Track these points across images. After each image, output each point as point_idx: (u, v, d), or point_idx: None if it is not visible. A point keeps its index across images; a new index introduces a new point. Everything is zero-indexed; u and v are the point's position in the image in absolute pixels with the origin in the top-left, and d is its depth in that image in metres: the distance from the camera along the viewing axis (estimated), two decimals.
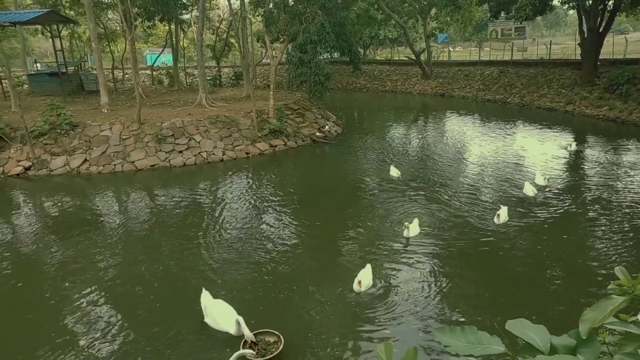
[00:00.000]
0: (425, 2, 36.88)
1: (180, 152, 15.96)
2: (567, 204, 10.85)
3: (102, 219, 11.18)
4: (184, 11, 30.87)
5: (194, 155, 15.93)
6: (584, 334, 1.37)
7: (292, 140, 18.31)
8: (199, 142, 16.41)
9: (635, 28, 60.64)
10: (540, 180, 11.70)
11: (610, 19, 24.01)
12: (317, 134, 19.62)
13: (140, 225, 10.66)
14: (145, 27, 31.58)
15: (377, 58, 50.57)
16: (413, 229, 9.06)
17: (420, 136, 21.50)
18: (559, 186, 12.09)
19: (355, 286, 7.02)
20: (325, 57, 35.42)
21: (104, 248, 9.31)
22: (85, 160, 15.17)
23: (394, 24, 39.56)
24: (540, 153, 15.81)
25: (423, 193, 12.10)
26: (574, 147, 15.37)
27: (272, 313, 6.77)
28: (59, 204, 12.31)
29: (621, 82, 21.93)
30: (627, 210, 10.38)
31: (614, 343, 1.67)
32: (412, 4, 38.03)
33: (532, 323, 1.49)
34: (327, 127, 20.58)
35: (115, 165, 15.12)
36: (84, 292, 7.55)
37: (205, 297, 6.55)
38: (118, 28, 33.74)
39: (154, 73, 36.69)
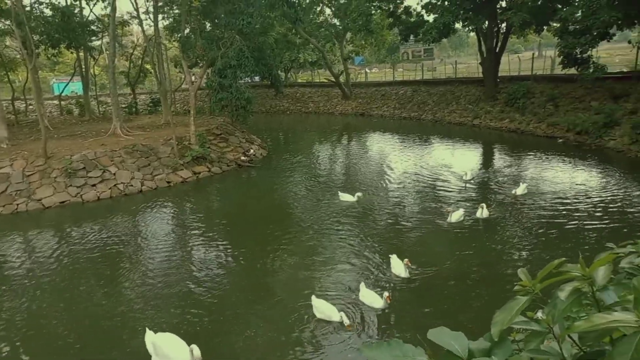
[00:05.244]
0: (340, 27, 38.44)
1: (94, 185, 14.89)
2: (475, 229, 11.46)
3: (3, 266, 10.01)
4: (93, 38, 29.35)
5: (109, 188, 14.94)
6: (496, 336, 1.41)
7: (216, 166, 17.88)
8: (114, 174, 15.44)
9: (526, 48, 67.84)
10: (485, 213, 10.96)
11: (504, 40, 26.64)
12: (242, 158, 19.37)
13: (52, 269, 9.68)
14: (49, 55, 29.54)
15: (299, 81, 51.51)
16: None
17: (344, 157, 22.06)
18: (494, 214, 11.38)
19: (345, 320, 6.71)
20: (246, 81, 35.45)
21: (10, 299, 8.31)
22: None
23: (313, 48, 40.72)
24: (445, 180, 15.14)
25: (351, 216, 12.32)
26: (469, 175, 14.85)
27: (209, 344, 6.43)
28: None
29: (518, 96, 24.26)
30: (529, 225, 11.34)
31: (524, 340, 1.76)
32: (328, 28, 39.45)
33: (451, 330, 1.52)
34: (252, 150, 20.41)
35: (18, 204, 13.72)
36: None
37: (150, 335, 6.24)
38: (18, 56, 31.20)
39: (63, 103, 34.29)
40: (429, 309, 7.35)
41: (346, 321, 6.66)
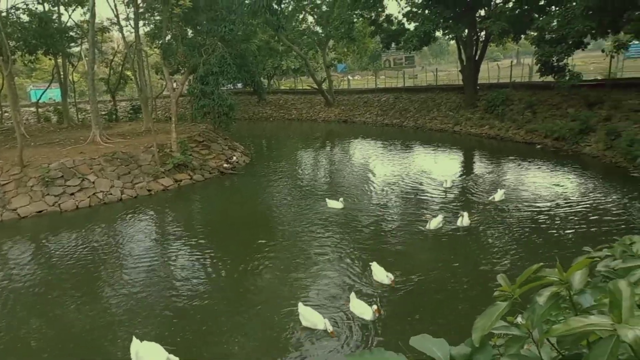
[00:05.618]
0: (322, 35, 38.67)
1: (72, 194, 14.58)
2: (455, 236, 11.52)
3: None
4: (72, 44, 28.88)
5: (88, 197, 14.65)
6: (477, 342, 1.42)
7: (198, 174, 17.71)
8: (93, 182, 15.16)
9: (505, 56, 69.35)
10: (465, 221, 10.92)
11: (483, 48, 27.16)
12: (225, 165, 19.24)
13: (28, 281, 9.39)
14: (26, 61, 28.95)
15: (282, 88, 51.56)
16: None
17: (327, 163, 22.09)
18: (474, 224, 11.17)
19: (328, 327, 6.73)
20: (228, 87, 35.31)
21: None
22: None
23: (296, 55, 40.86)
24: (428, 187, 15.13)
25: (334, 223, 12.30)
26: (449, 183, 14.78)
27: (191, 354, 6.33)
28: None
29: (497, 103, 24.70)
30: (510, 231, 11.52)
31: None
32: (310, 36, 39.63)
33: (433, 337, 1.52)
34: (234, 157, 20.29)
35: None
36: None
37: (136, 344, 6.23)
38: None
39: (40, 110, 33.59)
40: (414, 316, 7.36)
41: (329, 328, 6.65)
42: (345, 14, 30.56)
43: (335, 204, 12.96)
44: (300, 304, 7.09)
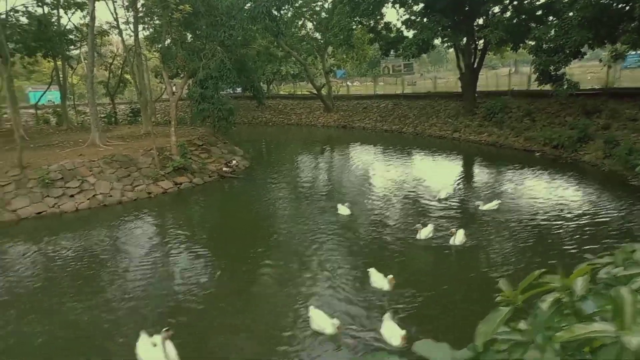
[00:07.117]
0: (322, 41, 38.83)
1: (72, 196, 14.58)
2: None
3: None
4: (71, 47, 28.95)
5: (88, 199, 14.65)
6: (480, 348, 1.44)
7: (198, 177, 17.72)
8: (93, 184, 15.16)
9: (503, 64, 69.69)
10: (459, 239, 10.36)
11: (481, 57, 27.32)
12: (225, 169, 19.26)
13: (27, 284, 9.37)
14: (25, 64, 28.97)
15: (281, 93, 51.65)
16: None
17: (327, 169, 22.11)
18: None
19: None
20: (228, 92, 35.35)
21: None
22: None
23: (295, 61, 40.98)
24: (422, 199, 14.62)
25: (332, 230, 12.19)
26: (444, 194, 14.34)
27: None
28: None
29: (496, 111, 24.81)
30: (509, 242, 11.54)
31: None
32: (309, 42, 39.80)
33: (436, 342, 1.55)
34: (234, 161, 20.31)
35: None
36: None
37: (144, 339, 6.44)
38: None
39: (39, 112, 33.57)
40: (420, 324, 7.35)
41: (336, 322, 6.60)
42: (344, 21, 30.67)
43: (344, 210, 12.88)
44: (311, 307, 7.14)
